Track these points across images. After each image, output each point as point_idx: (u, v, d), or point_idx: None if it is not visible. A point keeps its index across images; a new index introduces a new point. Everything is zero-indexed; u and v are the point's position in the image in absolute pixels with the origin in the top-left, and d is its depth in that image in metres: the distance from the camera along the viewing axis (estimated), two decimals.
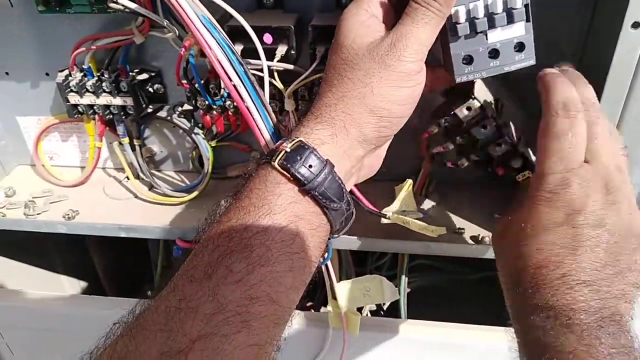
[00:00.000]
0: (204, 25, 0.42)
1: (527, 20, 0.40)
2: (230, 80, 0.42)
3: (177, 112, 0.62)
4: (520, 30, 0.40)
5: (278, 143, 0.41)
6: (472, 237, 0.56)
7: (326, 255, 0.51)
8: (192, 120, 0.62)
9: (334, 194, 0.40)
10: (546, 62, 0.44)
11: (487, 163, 0.52)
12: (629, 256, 0.39)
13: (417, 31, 0.39)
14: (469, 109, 0.49)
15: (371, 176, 0.48)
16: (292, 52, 0.51)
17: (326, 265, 0.53)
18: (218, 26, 0.43)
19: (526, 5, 0.39)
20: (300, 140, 0.39)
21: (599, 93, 0.43)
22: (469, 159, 0.53)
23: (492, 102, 0.53)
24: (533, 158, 0.48)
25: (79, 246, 0.92)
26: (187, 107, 0.61)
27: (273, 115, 0.45)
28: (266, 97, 0.46)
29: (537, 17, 0.47)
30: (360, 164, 0.43)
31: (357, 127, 0.40)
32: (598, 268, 0.38)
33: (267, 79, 0.46)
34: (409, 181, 0.54)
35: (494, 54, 0.41)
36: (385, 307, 0.78)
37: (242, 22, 0.44)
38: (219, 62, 0.42)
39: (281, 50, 0.50)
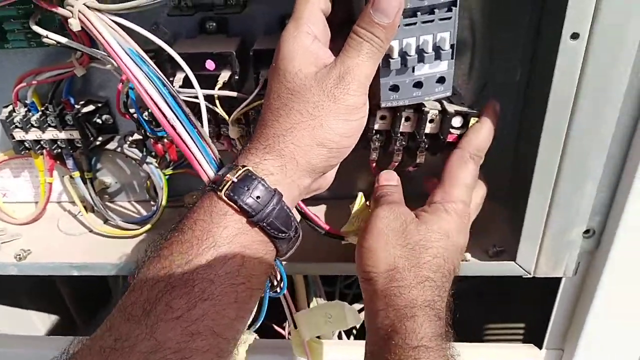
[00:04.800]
0: (131, 59, 0.40)
1: (452, 58, 0.42)
2: (162, 113, 0.40)
3: (128, 142, 0.60)
4: (444, 66, 0.43)
5: (223, 171, 0.40)
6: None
7: (282, 285, 0.50)
8: (145, 149, 0.60)
9: (282, 224, 0.39)
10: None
11: (438, 142, 0.51)
12: None
13: (363, 64, 0.39)
14: (382, 117, 0.48)
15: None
16: (236, 77, 0.50)
17: (284, 295, 0.52)
18: (147, 58, 0.41)
19: (452, 45, 0.41)
20: (248, 170, 0.38)
21: (544, 109, 0.43)
22: (422, 151, 0.52)
23: None
24: (462, 108, 0.48)
25: (46, 280, 0.89)
26: (137, 136, 0.59)
27: (213, 146, 0.43)
28: (205, 127, 0.45)
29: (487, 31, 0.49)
30: (308, 190, 0.43)
31: (306, 158, 0.39)
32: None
33: (204, 108, 0.45)
34: (359, 195, 0.52)
35: (418, 85, 0.44)
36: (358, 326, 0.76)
37: (171, 51, 0.43)
38: (149, 95, 0.40)
39: (224, 76, 0.49)
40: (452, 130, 0.49)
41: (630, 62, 0.40)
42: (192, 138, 0.42)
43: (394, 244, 0.44)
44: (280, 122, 0.39)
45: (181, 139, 0.42)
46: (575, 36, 0.39)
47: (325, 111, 0.38)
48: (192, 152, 0.42)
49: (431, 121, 0.48)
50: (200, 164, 0.43)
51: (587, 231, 0.50)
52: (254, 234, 0.38)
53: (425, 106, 0.48)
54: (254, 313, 0.50)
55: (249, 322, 0.50)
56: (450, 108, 0.48)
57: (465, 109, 0.48)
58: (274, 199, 0.38)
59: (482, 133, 0.48)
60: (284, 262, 0.54)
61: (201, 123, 0.44)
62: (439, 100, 0.48)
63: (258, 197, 0.37)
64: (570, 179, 0.46)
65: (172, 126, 0.41)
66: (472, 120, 0.48)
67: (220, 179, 0.39)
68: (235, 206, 0.37)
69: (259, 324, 0.52)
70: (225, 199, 0.37)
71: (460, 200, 0.47)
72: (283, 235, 0.39)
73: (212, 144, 0.44)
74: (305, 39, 0.39)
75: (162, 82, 0.41)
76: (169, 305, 0.35)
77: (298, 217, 0.50)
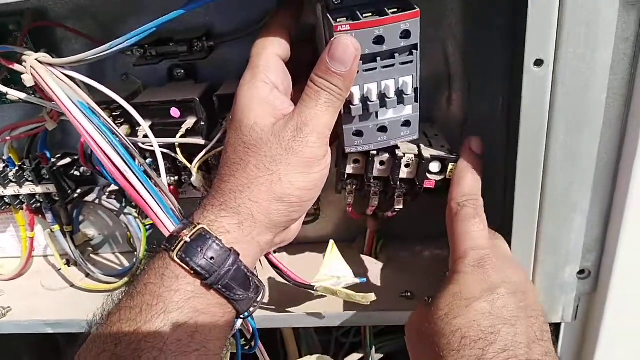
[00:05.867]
0: (81, 111, 0.39)
1: (416, 102, 0.40)
2: (113, 163, 0.39)
3: (107, 194, 0.59)
4: (408, 110, 0.41)
5: (178, 228, 0.39)
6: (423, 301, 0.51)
7: (254, 341, 0.47)
8: (124, 199, 0.59)
9: (240, 285, 0.37)
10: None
11: (415, 188, 0.47)
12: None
13: (321, 115, 0.37)
14: (355, 161, 0.46)
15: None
16: (202, 123, 0.48)
17: (259, 350, 0.49)
18: (99, 110, 0.41)
19: (415, 89, 0.39)
20: (203, 228, 0.37)
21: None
22: (400, 198, 0.48)
23: None
24: (440, 153, 0.45)
25: (49, 340, 0.88)
26: (114, 187, 0.58)
27: (171, 197, 0.42)
28: (163, 178, 0.43)
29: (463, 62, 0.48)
30: (271, 245, 0.41)
31: (265, 214, 0.37)
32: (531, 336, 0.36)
33: (160, 157, 0.44)
34: (330, 242, 0.50)
35: (383, 129, 0.42)
36: None
37: (121, 102, 0.42)
38: (98, 146, 0.39)
39: (189, 123, 0.48)
40: (429, 176, 0.46)
41: (604, 87, 0.37)
42: (146, 189, 0.40)
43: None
44: (236, 177, 0.37)
45: (134, 189, 0.40)
46: (539, 63, 0.36)
47: (283, 165, 0.36)
48: (147, 204, 0.41)
49: (407, 166, 0.45)
50: (157, 216, 0.41)
51: (581, 271, 0.46)
52: (210, 296, 0.36)
53: (399, 148, 0.45)
54: None
55: None
56: (427, 153, 0.45)
57: (443, 153, 0.45)
58: (229, 260, 0.36)
59: (468, 178, 0.43)
60: (261, 315, 0.52)
61: (158, 173, 0.43)
62: (417, 144, 0.46)
63: (212, 258, 0.35)
64: (554, 214, 0.42)
65: (124, 177, 0.40)
66: (451, 166, 0.45)
67: (174, 237, 0.37)
68: (187, 268, 0.35)
69: None
70: (178, 260, 0.36)
71: (469, 249, 0.40)
72: (240, 296, 0.37)
73: (169, 194, 0.42)
74: (263, 89, 0.38)
75: (113, 134, 0.40)
76: None
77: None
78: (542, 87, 0.37)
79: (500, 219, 0.54)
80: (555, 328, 0.50)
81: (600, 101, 0.37)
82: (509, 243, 0.45)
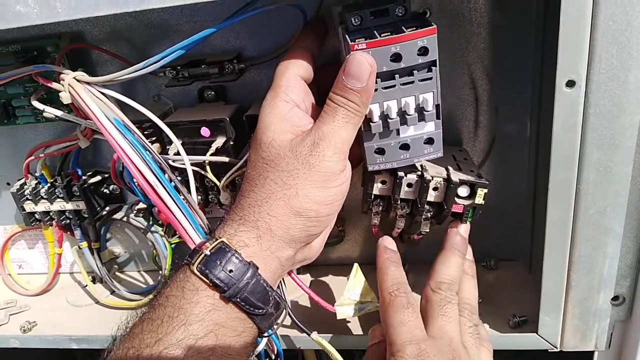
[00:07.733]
0: (116, 127, 0.40)
1: (438, 118, 0.40)
2: (146, 179, 0.40)
3: (135, 212, 0.60)
4: (430, 127, 0.40)
5: (200, 242, 0.39)
6: None
7: None
8: (151, 218, 0.60)
9: (259, 299, 0.37)
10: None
11: (442, 212, 0.46)
12: None
13: (339, 130, 0.37)
14: (383, 182, 0.46)
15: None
16: (231, 143, 0.49)
17: None
18: (133, 127, 0.42)
19: (437, 106, 0.39)
20: (222, 242, 0.37)
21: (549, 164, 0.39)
22: (427, 221, 0.48)
23: None
24: (469, 178, 0.44)
25: (66, 354, 0.88)
26: (143, 205, 0.59)
27: (201, 214, 0.42)
28: (193, 194, 0.44)
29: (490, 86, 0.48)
30: (292, 261, 0.41)
31: (283, 229, 0.38)
32: None
33: (191, 175, 0.44)
34: (355, 266, 0.49)
35: (405, 147, 0.41)
36: None
37: (156, 119, 0.43)
38: (132, 161, 0.40)
39: (218, 142, 0.49)
40: (457, 201, 0.45)
41: (637, 108, 0.36)
42: (176, 204, 0.41)
43: None
44: (255, 192, 0.38)
45: (165, 204, 0.41)
46: (570, 84, 0.36)
47: (300, 179, 0.37)
48: (177, 219, 0.41)
49: (435, 189, 0.45)
50: (186, 232, 0.42)
51: (615, 298, 0.44)
52: (229, 310, 0.36)
53: (427, 170, 0.45)
54: None
55: None
56: (456, 177, 0.44)
57: (472, 178, 0.45)
58: (248, 273, 0.36)
59: (392, 268, 0.45)
60: (283, 334, 0.51)
61: (189, 190, 0.43)
62: (446, 167, 0.46)
63: (231, 271, 0.36)
64: (587, 238, 0.41)
65: (155, 192, 0.40)
66: (480, 191, 0.44)
67: (196, 251, 0.38)
68: (207, 281, 0.36)
69: None
70: (197, 273, 0.36)
71: (406, 343, 0.39)
72: (260, 311, 0.37)
73: (199, 211, 0.42)
74: (283, 107, 0.38)
75: (146, 150, 0.41)
76: None
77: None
78: (574, 108, 0.37)
79: (529, 243, 0.53)
80: (588, 357, 0.49)
81: (634, 122, 0.37)
82: (540, 269, 0.44)
